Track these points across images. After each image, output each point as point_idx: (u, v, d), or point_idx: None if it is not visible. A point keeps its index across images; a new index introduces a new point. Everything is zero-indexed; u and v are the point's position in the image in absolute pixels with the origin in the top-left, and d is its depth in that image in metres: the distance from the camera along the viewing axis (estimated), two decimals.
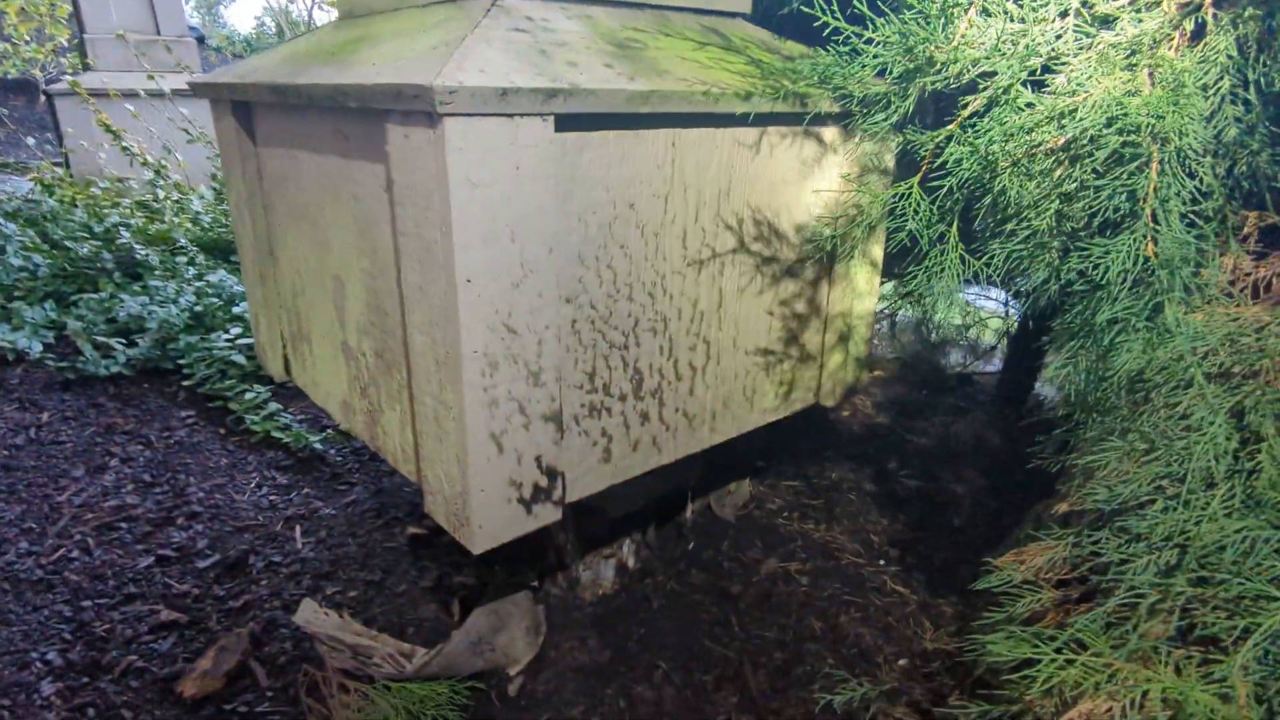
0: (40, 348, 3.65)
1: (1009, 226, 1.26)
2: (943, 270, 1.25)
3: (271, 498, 2.90)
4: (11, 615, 2.25)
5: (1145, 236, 1.03)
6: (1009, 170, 1.18)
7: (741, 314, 2.05)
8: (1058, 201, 1.21)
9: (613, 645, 2.20)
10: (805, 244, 2.13)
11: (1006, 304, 5.24)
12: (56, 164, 5.99)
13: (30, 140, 7.39)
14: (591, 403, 1.77)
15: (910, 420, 4.03)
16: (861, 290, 2.33)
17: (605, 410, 1.80)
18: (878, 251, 2.35)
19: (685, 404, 2.00)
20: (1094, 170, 1.20)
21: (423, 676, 2.00)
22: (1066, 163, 1.23)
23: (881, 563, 2.68)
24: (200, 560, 2.52)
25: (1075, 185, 1.18)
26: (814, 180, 2.10)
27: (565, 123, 1.48)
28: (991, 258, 1.27)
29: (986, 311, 5.53)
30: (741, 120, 1.83)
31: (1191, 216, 1.09)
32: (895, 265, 3.69)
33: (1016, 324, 4.86)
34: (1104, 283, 1.08)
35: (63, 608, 2.30)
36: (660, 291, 1.82)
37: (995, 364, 6.02)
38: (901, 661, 2.20)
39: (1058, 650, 1.07)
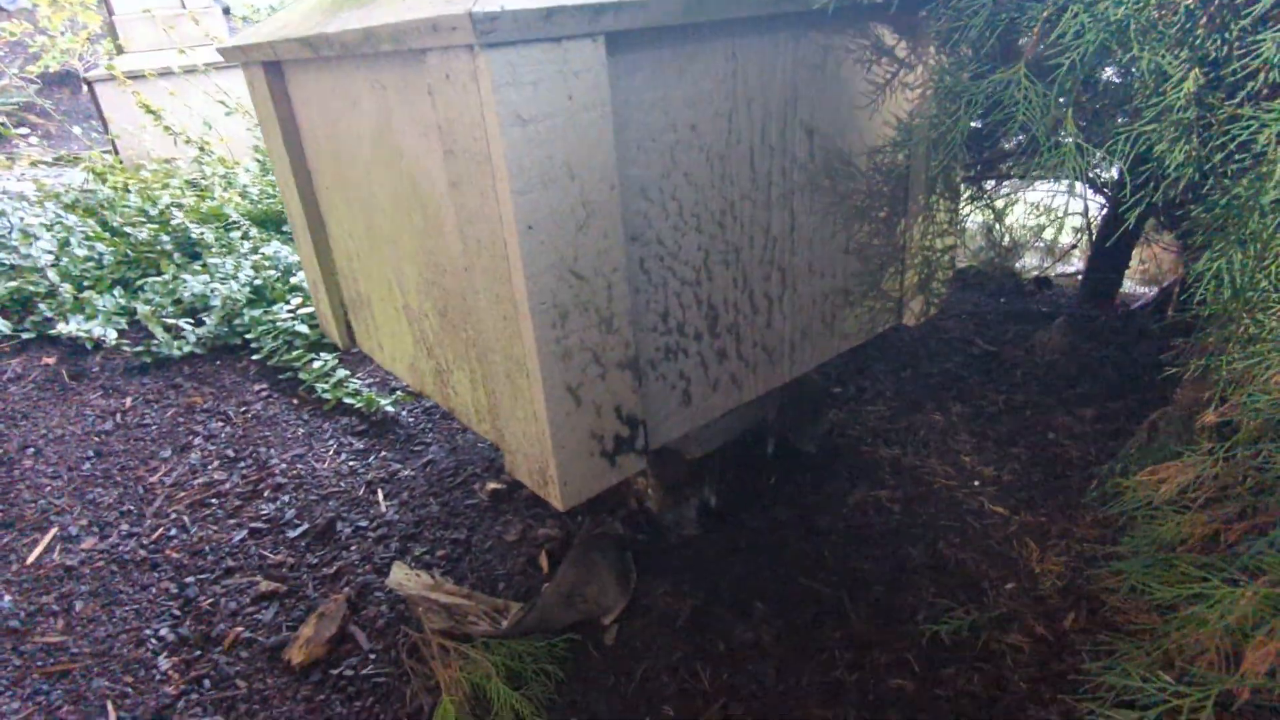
0: (115, 334, 3.73)
1: (1137, 103, 1.09)
2: (1061, 162, 1.09)
3: (350, 463, 2.92)
4: (123, 595, 2.33)
5: None
6: (1138, 36, 1.00)
7: (816, 236, 1.91)
8: (1198, 69, 1.03)
9: (705, 589, 2.16)
10: (885, 154, 1.96)
11: (1086, 200, 4.90)
12: (105, 151, 6.06)
13: (77, 130, 7.50)
14: (667, 345, 1.67)
15: (990, 331, 3.82)
16: (945, 184, 2.15)
17: (682, 351, 1.71)
18: (959, 143, 2.16)
19: (763, 337, 1.89)
20: (1242, 29, 1.02)
21: (519, 632, 2.00)
22: (1206, 21, 1.05)
23: (975, 484, 2.56)
24: (290, 530, 2.57)
25: (1220, 46, 1.00)
26: (885, 91, 1.91)
27: (616, 43, 1.35)
28: (1116, 142, 1.10)
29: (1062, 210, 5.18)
30: (803, 23, 1.66)
31: None
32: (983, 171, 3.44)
33: (1101, 220, 4.54)
34: (1269, 153, 0.91)
35: (169, 585, 2.37)
36: (730, 220, 1.69)
37: (1074, 265, 5.68)
38: (1009, 585, 2.10)
39: (1228, 581, 0.96)
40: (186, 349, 3.72)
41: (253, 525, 2.59)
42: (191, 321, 3.82)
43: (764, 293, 1.84)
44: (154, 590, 2.35)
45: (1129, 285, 5.01)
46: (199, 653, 2.12)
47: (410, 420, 3.20)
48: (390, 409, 3.22)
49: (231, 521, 2.63)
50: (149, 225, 4.47)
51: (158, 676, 2.05)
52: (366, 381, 3.50)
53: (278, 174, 2.29)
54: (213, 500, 2.74)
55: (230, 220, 4.47)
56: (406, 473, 2.83)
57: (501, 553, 2.39)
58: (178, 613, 2.26)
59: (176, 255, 4.32)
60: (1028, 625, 1.97)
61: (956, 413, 3.01)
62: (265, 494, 2.76)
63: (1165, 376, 2.52)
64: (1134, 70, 1.05)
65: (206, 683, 2.02)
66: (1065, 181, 4.67)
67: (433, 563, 2.37)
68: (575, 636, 2.03)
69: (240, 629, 2.18)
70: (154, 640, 2.16)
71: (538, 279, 1.34)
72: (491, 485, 2.68)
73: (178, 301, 4.00)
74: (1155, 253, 5.39)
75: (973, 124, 1.93)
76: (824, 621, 2.04)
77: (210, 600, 2.29)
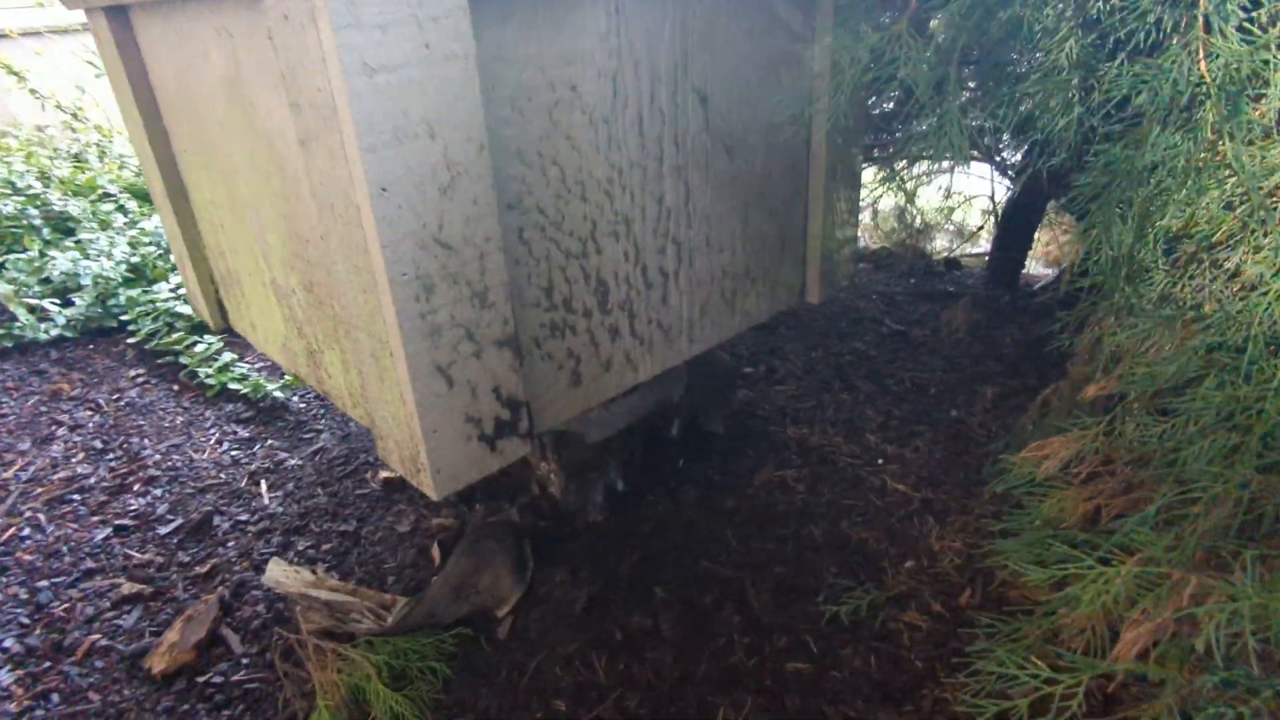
0: None
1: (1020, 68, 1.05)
2: (943, 125, 1.04)
3: (233, 453, 2.73)
4: None
5: (1196, 50, 0.82)
6: None
7: (714, 210, 1.84)
8: (1078, 31, 0.99)
9: (604, 576, 2.08)
10: (781, 121, 1.89)
11: (993, 182, 5.01)
12: None
13: None
14: (552, 321, 1.57)
15: (899, 310, 3.87)
16: (845, 172, 2.11)
17: (569, 329, 1.61)
18: (859, 126, 2.12)
19: (659, 314, 1.81)
20: None
21: (404, 629, 1.88)
22: None
23: (880, 462, 2.56)
24: (161, 526, 2.37)
25: (1103, 4, 0.96)
26: (778, 49, 1.84)
27: None
28: (1000, 106, 1.06)
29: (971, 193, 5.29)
30: None
31: (1246, 26, 0.88)
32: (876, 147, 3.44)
33: (1006, 202, 4.65)
34: (1147, 114, 0.88)
35: (17, 590, 2.15)
36: (618, 189, 1.60)
37: (982, 245, 5.83)
38: (908, 564, 2.10)
39: (1101, 560, 0.93)
40: (54, 332, 3.41)
41: (118, 522, 2.38)
42: (59, 302, 3.50)
43: (658, 267, 1.76)
44: (0, 596, 2.13)
45: (1034, 267, 5.17)
46: (48, 664, 1.92)
47: (301, 406, 3.01)
48: (279, 394, 3.02)
49: (94, 519, 2.41)
50: (14, 198, 4.08)
51: None
52: (255, 366, 3.28)
53: (132, 136, 2.07)
54: (74, 496, 2.50)
55: (106, 193, 4.12)
56: (294, 462, 2.66)
57: (392, 545, 2.25)
58: (26, 620, 2.05)
59: (45, 230, 3.95)
60: (925, 603, 1.96)
61: (864, 391, 3.02)
62: (135, 488, 2.54)
63: (1064, 354, 2.57)
64: (1020, 31, 1.01)
65: (55, 697, 1.83)
66: (972, 163, 4.77)
67: (318, 557, 2.22)
68: (466, 631, 1.93)
69: (97, 636, 1.98)
70: None
71: (395, 247, 1.22)
72: (384, 474, 2.53)
73: (45, 281, 3.66)
74: (1058, 235, 5.59)
75: (874, 99, 1.89)
76: (724, 605, 1.99)
77: (65, 606, 2.09)
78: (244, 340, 3.54)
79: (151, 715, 1.77)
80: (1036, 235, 4.62)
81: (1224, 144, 0.83)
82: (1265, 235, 0.93)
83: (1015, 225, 4.34)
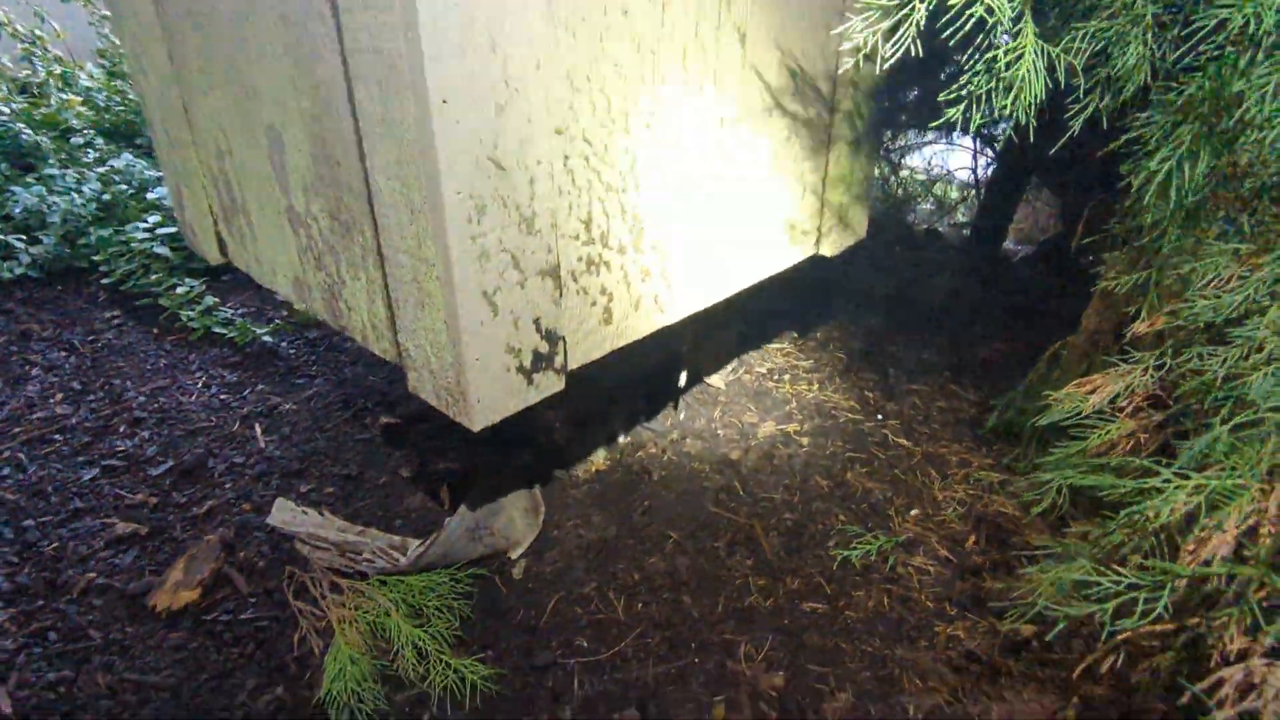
0: None
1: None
2: (1020, 58, 1.04)
3: (222, 397, 2.64)
4: None
5: None
6: None
7: (744, 151, 1.82)
8: None
9: (617, 520, 2.08)
10: (813, 64, 1.88)
11: (975, 156, 5.08)
12: None
13: None
14: (589, 256, 1.55)
15: (887, 276, 3.91)
16: (869, 120, 2.11)
17: (604, 265, 1.59)
18: (881, 79, 2.12)
19: (690, 256, 1.80)
20: None
21: (419, 568, 1.86)
22: None
23: (880, 417, 2.60)
24: (152, 468, 2.29)
25: None
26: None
27: None
28: (1074, 38, 1.07)
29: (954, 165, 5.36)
30: None
31: None
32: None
33: (989, 174, 4.72)
34: (1237, 43, 0.89)
35: (2, 529, 2.06)
36: (660, 123, 1.57)
37: (960, 218, 5.92)
38: (914, 512, 2.15)
39: (1168, 481, 0.96)
40: (19, 270, 3.25)
41: (106, 463, 2.29)
42: (25, 239, 3.33)
43: (695, 209, 1.74)
44: None
45: (1008, 244, 5.28)
46: (41, 602, 1.85)
47: (291, 352, 2.92)
48: (268, 339, 2.93)
49: (80, 459, 2.31)
50: None
51: None
52: (239, 310, 3.18)
53: (129, 51, 1.96)
54: (55, 436, 2.40)
55: (71, 127, 3.91)
56: (288, 406, 2.59)
57: (398, 488, 2.22)
58: (14, 559, 1.97)
59: (4, 165, 3.74)
60: (932, 549, 2.02)
61: (859, 351, 3.06)
62: (120, 429, 2.45)
63: (1053, 318, 2.62)
64: None
65: (52, 635, 1.77)
66: (955, 136, 4.83)
67: (321, 500, 2.18)
68: (481, 571, 1.92)
69: (93, 575, 1.92)
70: None
71: (452, 164, 1.18)
72: (385, 419, 2.49)
73: (7, 218, 3.47)
74: (1034, 210, 5.71)
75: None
76: (737, 550, 2.01)
77: (54, 545, 2.01)
78: (227, 285, 3.43)
79: (159, 652, 1.73)
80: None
81: None
82: None
83: (997, 198, 4.41)
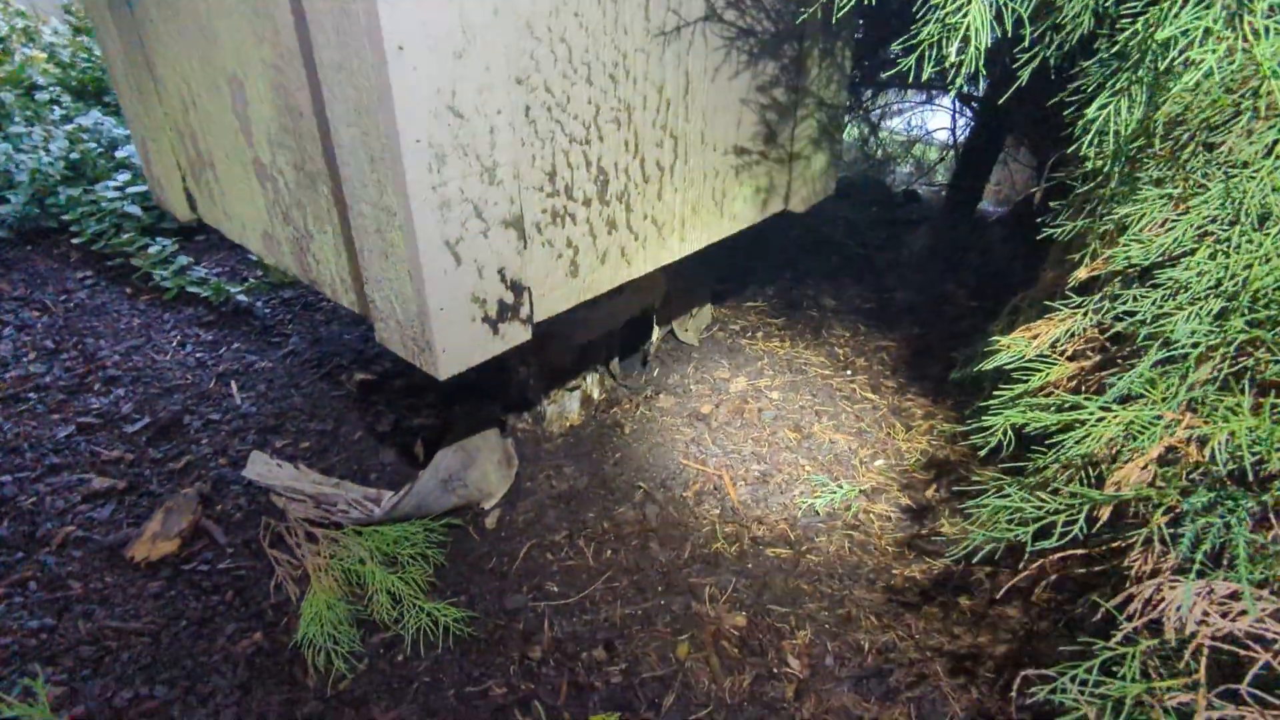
0: None
1: None
2: (968, 4, 1.05)
3: (198, 355, 2.65)
4: None
5: None
6: None
7: (710, 103, 1.83)
8: None
9: (589, 472, 2.13)
10: (782, 17, 1.88)
11: (955, 116, 5.09)
12: None
13: None
14: (554, 208, 1.57)
15: (862, 235, 3.94)
16: (838, 74, 2.12)
17: (569, 217, 1.61)
18: (852, 26, 2.12)
19: (654, 210, 1.82)
20: None
21: (394, 518, 1.90)
22: None
23: (848, 373, 2.65)
24: (128, 425, 2.31)
25: None
26: None
27: None
28: None
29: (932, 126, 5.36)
30: None
31: None
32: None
33: (967, 135, 4.74)
34: None
35: None
36: (622, 74, 1.58)
37: (938, 179, 5.94)
38: (878, 462, 2.21)
39: (1093, 414, 1.01)
40: None
41: (81, 420, 2.31)
42: None
43: (655, 160, 1.76)
44: None
45: (985, 205, 5.31)
46: (21, 555, 1.88)
47: (266, 311, 2.93)
48: (243, 298, 2.93)
49: (55, 416, 2.33)
50: None
51: None
52: (214, 269, 3.17)
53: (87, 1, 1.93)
54: (30, 394, 2.41)
55: (36, 84, 3.84)
56: (264, 364, 2.60)
57: (373, 444, 2.25)
58: None
59: None
60: (894, 497, 2.08)
61: (831, 308, 3.10)
62: (95, 387, 2.46)
63: (1018, 279, 2.66)
64: None
65: (33, 585, 1.80)
66: (934, 96, 4.82)
67: (297, 454, 2.21)
68: (455, 521, 1.96)
69: (71, 528, 1.95)
70: None
71: (409, 112, 1.19)
72: (360, 376, 2.51)
73: None
74: (1011, 173, 5.73)
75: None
76: (705, 499, 2.07)
77: (32, 500, 2.03)
78: (201, 247, 3.41)
79: (138, 600, 1.77)
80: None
81: (1242, 21, 0.88)
82: (1260, 118, 0.99)
83: (974, 159, 4.43)
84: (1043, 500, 1.03)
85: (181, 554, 1.90)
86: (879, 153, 5.50)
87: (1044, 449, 1.12)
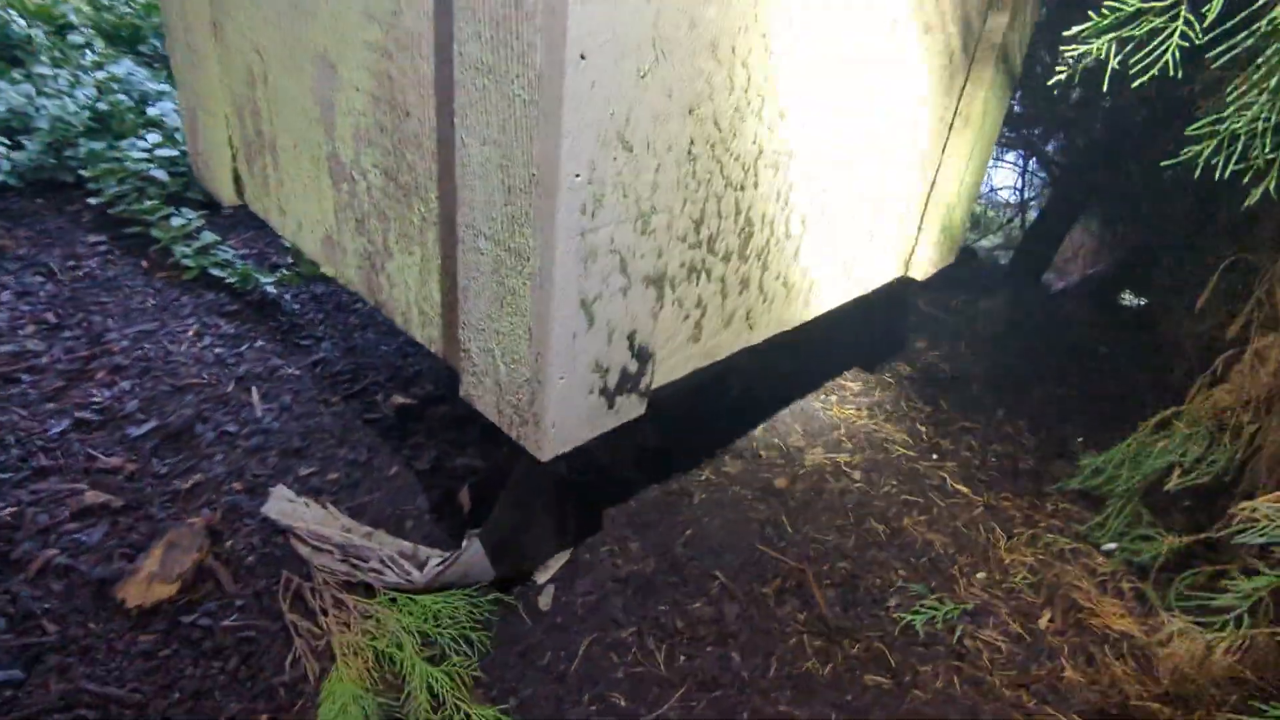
0: None
1: None
2: None
3: (217, 350, 2.36)
4: None
5: None
6: None
7: (865, 155, 1.58)
8: None
9: (657, 550, 1.86)
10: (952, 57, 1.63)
11: (1024, 174, 4.88)
12: None
13: None
14: (692, 261, 1.30)
15: (929, 296, 3.69)
16: (991, 125, 1.87)
17: (705, 273, 1.34)
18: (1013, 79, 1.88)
19: (788, 270, 1.55)
20: None
21: (435, 587, 1.62)
22: None
23: (935, 457, 2.39)
24: (132, 427, 2.01)
25: None
26: None
27: None
28: None
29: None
30: None
31: None
32: None
33: (1044, 199, 4.51)
34: None
35: None
36: (794, 113, 1.32)
37: (993, 239, 5.72)
38: (979, 575, 1.95)
39: None
40: None
41: (79, 415, 2.01)
42: (7, 143, 2.98)
43: (801, 215, 1.49)
44: None
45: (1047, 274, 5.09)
46: None
47: (295, 306, 2.64)
48: (271, 289, 2.64)
49: (50, 406, 2.03)
50: None
51: None
52: (241, 252, 2.87)
53: None
54: (24, 376, 2.11)
55: (68, 23, 3.54)
56: (290, 370, 2.32)
57: (411, 483, 1.97)
58: None
59: None
60: (1002, 621, 1.82)
61: (906, 376, 2.84)
62: (98, 376, 2.17)
63: (1100, 364, 2.40)
64: None
65: (1, 622, 1.51)
66: (1005, 154, 4.60)
67: (322, 487, 1.92)
68: (504, 596, 1.68)
69: (54, 552, 1.65)
70: None
71: (577, 139, 0.93)
72: (399, 399, 2.23)
73: None
74: (1072, 239, 5.51)
75: None
76: (787, 599, 1.80)
77: (12, 510, 1.74)
78: (228, 221, 3.11)
79: (125, 659, 1.48)
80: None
81: None
82: None
83: (1051, 224, 4.20)
84: None
85: (181, 600, 1.61)
86: None
87: None
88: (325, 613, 1.54)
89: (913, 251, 1.99)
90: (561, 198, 0.95)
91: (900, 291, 2.33)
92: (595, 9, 0.86)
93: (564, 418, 1.16)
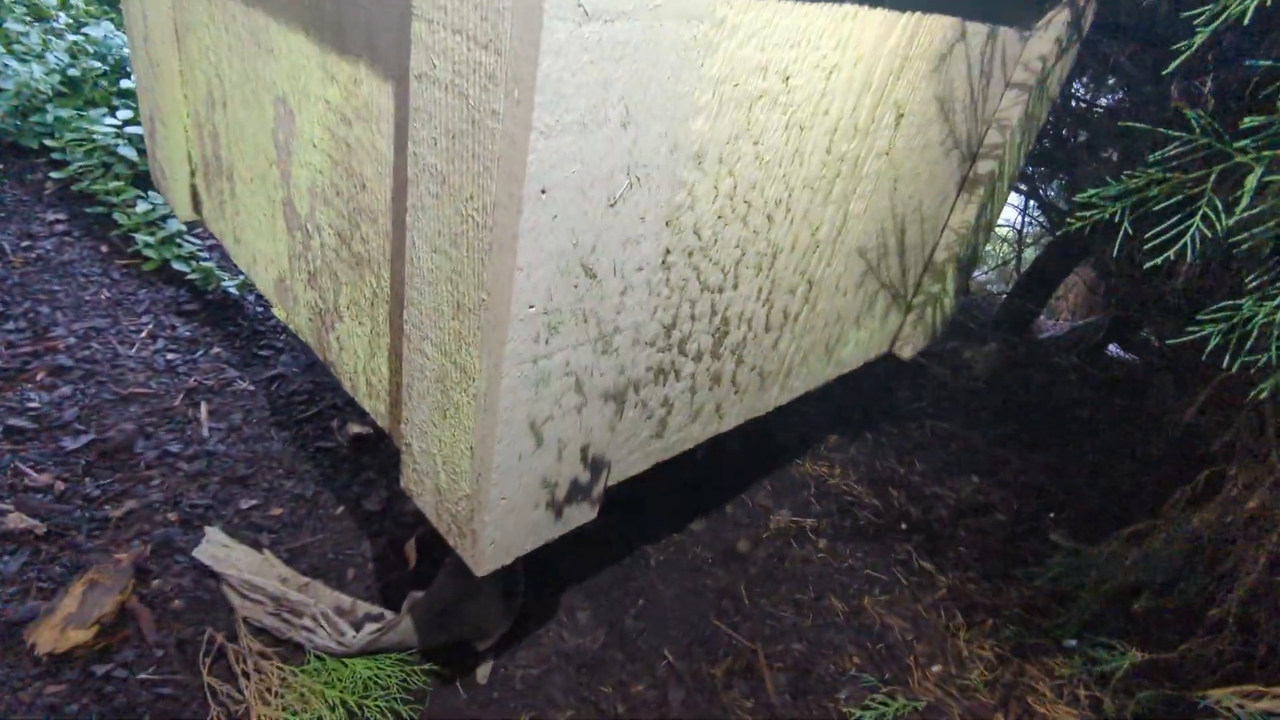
0: None
1: None
2: None
3: (169, 355, 2.25)
4: None
5: None
6: None
7: (856, 245, 1.49)
8: None
9: (607, 622, 1.79)
10: (968, 146, 1.55)
11: (1023, 221, 4.81)
12: None
13: None
14: (660, 364, 1.22)
15: None
16: (994, 208, 1.79)
17: (674, 373, 1.26)
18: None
19: (765, 360, 1.47)
20: None
21: (370, 651, 1.55)
22: None
23: (903, 527, 2.34)
24: (68, 439, 1.91)
25: None
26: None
27: None
28: None
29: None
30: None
31: None
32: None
33: (1041, 251, 4.44)
34: None
35: None
36: (782, 212, 1.23)
37: (983, 275, 5.67)
38: (935, 668, 1.90)
39: None
40: None
41: (12, 421, 1.91)
42: None
43: (784, 309, 1.41)
44: None
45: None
46: None
47: (258, 311, 2.53)
48: (234, 290, 2.53)
49: None
50: None
51: None
52: (208, 244, 2.75)
53: None
54: None
55: None
56: (244, 385, 2.22)
57: (356, 525, 1.89)
58: None
59: None
60: None
61: (885, 431, 2.78)
62: (39, 377, 2.06)
63: (1085, 429, 2.35)
64: None
65: None
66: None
67: (264, 524, 1.84)
68: (437, 667, 1.61)
69: None
70: None
71: (532, 270, 0.84)
72: (355, 428, 2.14)
73: None
74: (1066, 286, 5.46)
75: None
76: (735, 682, 1.74)
77: None
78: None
79: (28, 713, 1.40)
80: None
81: None
82: None
83: (1047, 273, 4.14)
84: None
85: (98, 644, 1.53)
86: None
87: None
88: (247, 676, 1.47)
89: (899, 331, 1.92)
90: (513, 329, 0.86)
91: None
92: (561, 143, 0.77)
93: (504, 534, 1.08)
